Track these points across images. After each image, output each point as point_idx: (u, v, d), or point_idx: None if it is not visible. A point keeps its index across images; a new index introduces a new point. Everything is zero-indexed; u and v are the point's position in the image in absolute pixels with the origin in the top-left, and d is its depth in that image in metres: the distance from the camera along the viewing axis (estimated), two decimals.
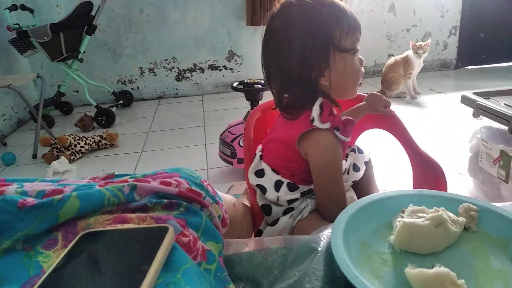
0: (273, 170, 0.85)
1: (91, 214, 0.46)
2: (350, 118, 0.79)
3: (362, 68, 0.81)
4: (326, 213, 0.80)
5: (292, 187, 0.83)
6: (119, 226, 0.44)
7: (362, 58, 0.81)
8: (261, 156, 0.90)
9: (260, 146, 0.92)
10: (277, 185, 0.83)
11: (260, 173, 0.87)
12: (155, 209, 0.50)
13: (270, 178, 0.85)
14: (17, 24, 2.71)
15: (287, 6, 0.77)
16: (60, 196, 0.44)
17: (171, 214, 0.49)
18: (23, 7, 2.82)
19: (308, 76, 0.75)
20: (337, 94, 0.80)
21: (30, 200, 0.43)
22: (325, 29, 0.73)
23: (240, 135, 1.78)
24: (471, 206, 0.52)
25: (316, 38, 0.73)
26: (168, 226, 0.41)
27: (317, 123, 0.74)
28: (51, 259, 0.38)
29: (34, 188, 0.48)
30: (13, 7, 2.72)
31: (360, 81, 0.82)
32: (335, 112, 0.79)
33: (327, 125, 0.74)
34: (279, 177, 0.84)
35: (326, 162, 0.77)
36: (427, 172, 0.86)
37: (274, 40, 0.79)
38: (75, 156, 2.22)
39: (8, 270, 0.38)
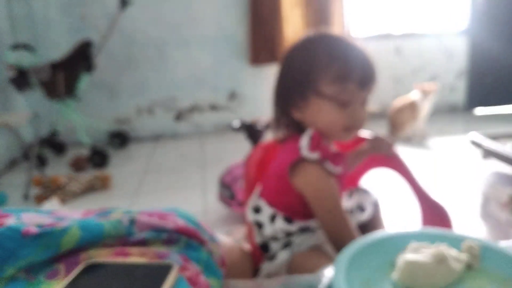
0: (269, 204, 0.90)
1: (92, 247, 0.49)
2: (339, 151, 0.85)
3: (354, 122, 0.80)
4: (334, 245, 0.81)
5: (287, 220, 0.86)
6: (121, 259, 0.46)
7: (359, 112, 0.80)
8: (259, 193, 0.94)
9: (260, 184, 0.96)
10: (273, 218, 0.87)
11: (257, 210, 0.92)
12: (154, 243, 0.52)
13: (266, 213, 0.89)
14: (18, 62, 2.83)
15: (302, 39, 0.85)
16: (62, 225, 0.47)
17: (171, 249, 0.52)
18: (26, 46, 2.96)
19: (282, 102, 0.84)
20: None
21: (34, 229, 0.46)
22: (309, 68, 0.79)
23: (240, 177, 1.81)
24: (473, 243, 0.54)
25: (297, 74, 0.81)
26: (173, 264, 0.43)
27: (304, 151, 0.79)
28: (53, 286, 0.41)
29: (32, 221, 0.51)
30: (16, 46, 2.85)
31: (349, 134, 0.83)
32: (333, 147, 0.84)
33: (315, 156, 0.79)
34: (274, 210, 0.88)
35: (320, 194, 0.81)
36: (433, 213, 0.88)
37: (281, 60, 0.88)
38: (67, 197, 2.24)
39: None
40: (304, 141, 0.79)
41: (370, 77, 0.80)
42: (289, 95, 0.83)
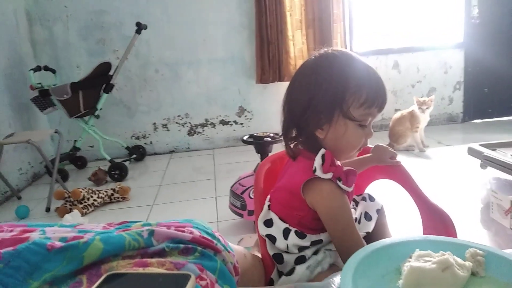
0: (280, 219, 0.87)
1: (113, 259, 0.48)
2: (352, 168, 0.80)
3: (366, 141, 0.82)
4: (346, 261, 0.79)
5: (300, 235, 0.83)
6: (141, 270, 0.46)
7: (372, 132, 0.82)
8: (269, 206, 0.91)
9: (268, 196, 0.94)
10: (285, 233, 0.84)
11: (268, 223, 0.89)
12: (172, 254, 0.52)
13: (278, 227, 0.86)
14: (40, 83, 2.88)
15: (325, 55, 0.80)
16: (85, 239, 0.47)
17: (187, 259, 0.52)
18: (46, 68, 3.01)
19: (305, 123, 0.79)
20: (330, 150, 0.80)
21: (58, 243, 0.46)
22: (340, 91, 0.76)
23: (250, 186, 1.81)
24: (478, 251, 0.53)
25: (327, 95, 0.76)
26: (190, 274, 0.43)
27: (319, 173, 0.76)
28: None
29: (56, 235, 0.51)
30: (37, 68, 2.90)
31: (358, 152, 0.84)
32: (338, 163, 0.81)
33: (329, 175, 0.76)
34: (286, 225, 0.85)
35: (333, 212, 0.79)
36: (436, 222, 0.87)
37: (296, 78, 0.83)
38: (88, 210, 2.25)
39: None
40: (318, 162, 0.77)
41: (386, 100, 0.80)
42: (314, 116, 0.78)
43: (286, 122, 0.84)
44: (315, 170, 0.77)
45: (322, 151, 0.78)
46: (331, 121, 0.78)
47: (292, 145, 0.86)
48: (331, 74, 0.77)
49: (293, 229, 0.84)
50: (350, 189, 0.80)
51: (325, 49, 0.82)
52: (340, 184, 0.77)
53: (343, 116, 0.77)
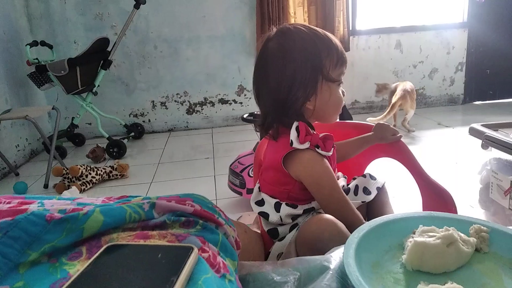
0: (271, 196, 0.89)
1: (113, 231, 0.48)
2: (328, 134, 0.84)
3: (343, 98, 0.87)
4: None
5: (292, 206, 0.86)
6: (142, 242, 0.45)
7: (344, 90, 0.87)
8: (259, 188, 0.93)
9: (257, 179, 0.96)
10: (277, 207, 0.86)
11: (260, 203, 0.91)
12: (173, 226, 0.51)
13: (269, 203, 0.88)
14: (36, 59, 2.83)
15: (284, 31, 0.83)
16: (84, 210, 0.47)
17: (189, 231, 0.51)
18: (43, 43, 2.96)
19: (295, 98, 0.81)
20: (318, 118, 0.86)
21: (57, 215, 0.45)
22: (317, 58, 0.80)
23: (249, 165, 1.80)
24: (482, 227, 0.53)
25: (308, 65, 0.79)
26: (193, 246, 0.42)
27: (296, 144, 0.79)
28: (76, 267, 0.40)
29: (55, 207, 0.50)
30: (34, 43, 2.85)
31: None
32: (314, 131, 0.84)
33: (306, 145, 0.79)
34: (277, 200, 0.87)
35: (317, 177, 0.81)
36: (437, 199, 0.86)
37: (267, 61, 0.84)
38: (86, 186, 2.25)
39: (34, 279, 0.40)
40: (293, 135, 0.80)
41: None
42: (302, 89, 0.80)
43: (268, 107, 0.85)
44: (291, 143, 0.79)
45: (295, 124, 0.81)
46: (316, 89, 0.81)
47: (273, 128, 0.87)
48: (303, 46, 0.80)
49: (283, 202, 0.86)
50: (329, 154, 0.83)
51: (275, 29, 0.85)
52: (319, 150, 0.81)
53: (326, 80, 0.81)
